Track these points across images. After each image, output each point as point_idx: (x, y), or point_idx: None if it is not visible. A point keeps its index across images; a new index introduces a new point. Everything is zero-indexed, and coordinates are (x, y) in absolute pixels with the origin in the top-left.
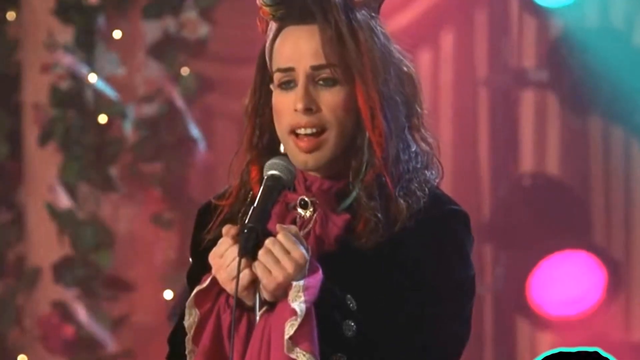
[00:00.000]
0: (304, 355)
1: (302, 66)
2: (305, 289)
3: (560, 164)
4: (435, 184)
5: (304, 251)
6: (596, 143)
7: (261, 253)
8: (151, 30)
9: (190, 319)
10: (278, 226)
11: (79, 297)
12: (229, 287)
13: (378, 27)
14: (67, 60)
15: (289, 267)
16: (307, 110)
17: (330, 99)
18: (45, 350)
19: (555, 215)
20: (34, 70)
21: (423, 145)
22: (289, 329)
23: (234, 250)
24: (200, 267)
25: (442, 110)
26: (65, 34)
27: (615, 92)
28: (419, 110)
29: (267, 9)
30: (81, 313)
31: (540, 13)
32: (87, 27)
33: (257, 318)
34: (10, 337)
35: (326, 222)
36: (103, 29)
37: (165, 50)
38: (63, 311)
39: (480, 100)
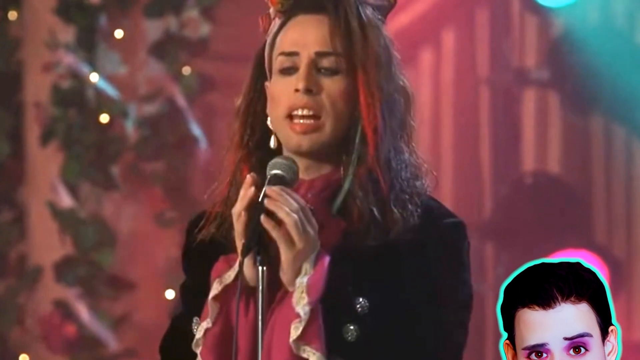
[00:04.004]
0: (313, 354)
1: (307, 52)
2: (309, 288)
3: (561, 163)
4: (428, 192)
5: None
6: (597, 142)
7: (285, 218)
8: (152, 29)
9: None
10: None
11: (80, 296)
12: (239, 204)
13: (384, 32)
14: (68, 59)
15: (309, 238)
16: (308, 91)
17: (331, 86)
18: (46, 350)
19: (557, 214)
20: (35, 69)
21: (413, 157)
22: (294, 331)
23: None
24: (194, 280)
25: (443, 109)
26: (67, 33)
27: (616, 91)
28: (412, 123)
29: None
30: (83, 312)
31: (542, 12)
32: (89, 26)
33: (260, 300)
34: (12, 336)
35: (320, 230)
36: (104, 28)
37: (167, 49)
38: (64, 310)
39: (481, 99)
